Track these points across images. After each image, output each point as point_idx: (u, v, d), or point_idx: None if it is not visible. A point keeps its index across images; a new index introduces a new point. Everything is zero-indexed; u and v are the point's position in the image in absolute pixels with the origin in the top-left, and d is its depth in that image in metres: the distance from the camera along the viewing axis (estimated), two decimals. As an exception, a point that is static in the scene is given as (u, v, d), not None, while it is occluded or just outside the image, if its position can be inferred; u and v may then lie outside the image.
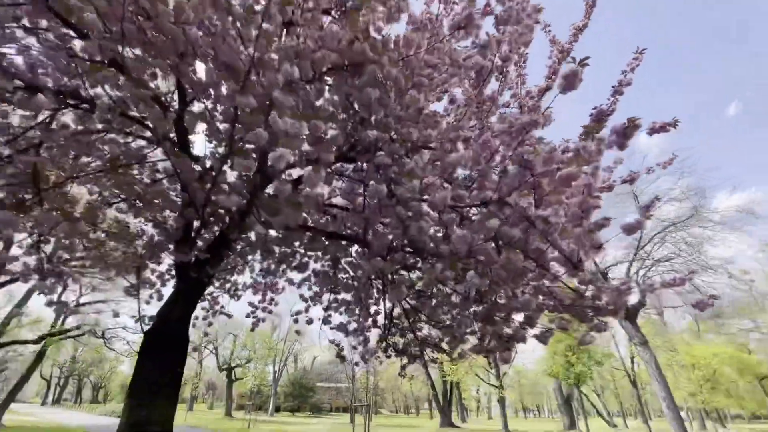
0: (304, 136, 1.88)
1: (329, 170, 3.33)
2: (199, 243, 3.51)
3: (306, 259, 3.98)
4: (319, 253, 4.57)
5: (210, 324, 5.80)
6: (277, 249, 3.46)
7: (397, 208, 2.06)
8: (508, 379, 38.11)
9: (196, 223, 3.15)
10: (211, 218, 2.73)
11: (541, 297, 2.63)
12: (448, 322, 3.33)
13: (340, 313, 4.65)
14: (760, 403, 35.05)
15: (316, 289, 4.74)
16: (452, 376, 26.43)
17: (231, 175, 3.24)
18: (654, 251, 16.21)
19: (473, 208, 2.37)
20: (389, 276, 2.57)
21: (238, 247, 3.40)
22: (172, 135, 3.35)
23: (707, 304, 2.10)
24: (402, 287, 1.93)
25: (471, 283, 1.73)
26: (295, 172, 3.96)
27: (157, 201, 2.67)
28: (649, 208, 2.31)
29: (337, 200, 4.22)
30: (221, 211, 3.05)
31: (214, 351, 40.66)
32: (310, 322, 4.90)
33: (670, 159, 3.71)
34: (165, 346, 2.82)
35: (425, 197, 2.16)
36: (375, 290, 4.73)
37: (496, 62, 3.18)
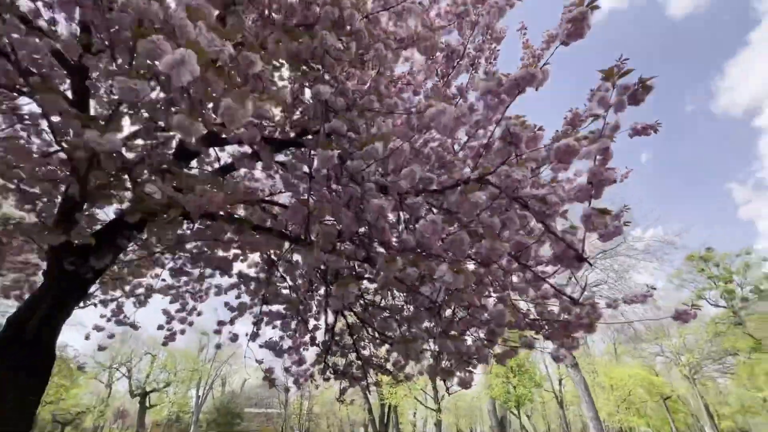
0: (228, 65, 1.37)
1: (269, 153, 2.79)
2: (88, 228, 2.73)
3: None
4: (256, 256, 3.92)
5: (112, 336, 4.83)
6: (195, 242, 2.78)
7: (350, 186, 1.61)
8: (445, 402, 38.05)
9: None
10: (102, 190, 2.04)
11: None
12: (398, 338, 2.87)
13: (273, 327, 3.98)
14: (663, 420, 38.68)
15: (247, 298, 4.04)
16: (391, 399, 25.63)
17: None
18: (586, 276, 17.29)
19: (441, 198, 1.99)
20: (334, 275, 2.09)
21: (143, 236, 2.67)
22: (66, 89, 2.62)
23: (690, 315, 1.90)
24: (351, 285, 1.46)
25: (443, 280, 1.31)
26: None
27: (17, 162, 1.94)
28: (619, 216, 2.16)
29: (281, 198, 3.67)
30: (121, 189, 2.35)
31: (127, 374, 35.69)
32: (234, 339, 4.15)
33: (627, 171, 3.76)
34: (12, 365, 2.00)
35: (386, 173, 1.73)
36: (315, 302, 4.15)
37: (468, 50, 2.93)
